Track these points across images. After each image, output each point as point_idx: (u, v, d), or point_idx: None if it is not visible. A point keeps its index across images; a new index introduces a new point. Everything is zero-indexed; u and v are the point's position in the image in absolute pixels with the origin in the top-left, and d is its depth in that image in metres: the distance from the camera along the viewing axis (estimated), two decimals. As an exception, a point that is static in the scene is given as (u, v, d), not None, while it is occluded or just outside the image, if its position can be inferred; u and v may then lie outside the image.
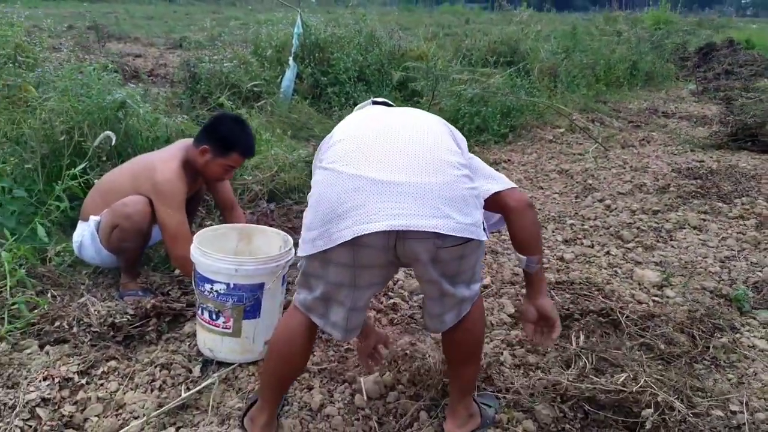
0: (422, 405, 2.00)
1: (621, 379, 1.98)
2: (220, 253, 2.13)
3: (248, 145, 2.62)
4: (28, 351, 2.16)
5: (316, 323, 1.64)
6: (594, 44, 10.03)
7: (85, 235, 2.60)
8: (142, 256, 2.72)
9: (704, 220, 3.89)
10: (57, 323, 2.29)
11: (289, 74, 6.10)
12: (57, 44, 6.46)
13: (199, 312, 2.18)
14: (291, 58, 6.22)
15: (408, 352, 2.29)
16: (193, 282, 2.19)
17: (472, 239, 1.46)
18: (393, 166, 1.45)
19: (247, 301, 2.11)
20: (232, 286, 2.08)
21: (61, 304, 2.40)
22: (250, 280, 2.08)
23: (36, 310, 2.35)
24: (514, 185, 1.64)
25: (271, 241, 2.40)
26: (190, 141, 2.72)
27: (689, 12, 27.09)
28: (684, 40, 14.12)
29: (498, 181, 1.63)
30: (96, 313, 2.33)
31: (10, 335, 2.21)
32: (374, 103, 1.92)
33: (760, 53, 12.47)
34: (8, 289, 2.38)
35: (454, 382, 1.80)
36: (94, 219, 2.57)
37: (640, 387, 1.93)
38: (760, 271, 3.15)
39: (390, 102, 1.98)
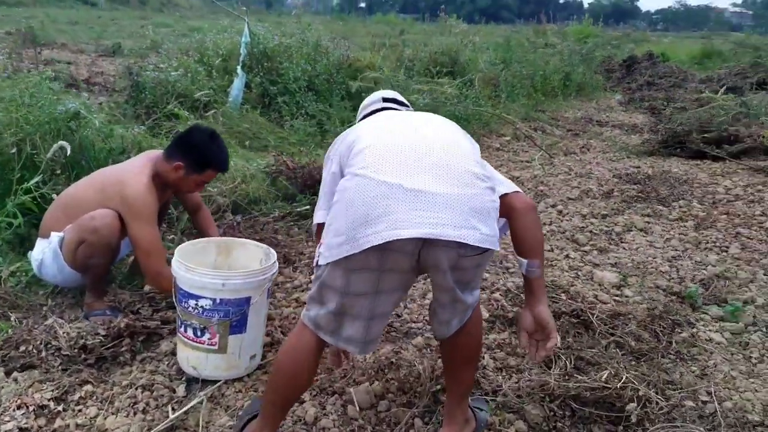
0: (416, 412, 2.02)
1: (604, 376, 2.08)
2: (200, 267, 2.08)
3: (223, 161, 2.58)
4: (-5, 379, 2.02)
5: (325, 341, 1.63)
6: (529, 56, 10.44)
7: (46, 252, 2.46)
8: (109, 274, 2.60)
9: (648, 222, 4.13)
10: (22, 348, 2.15)
11: (238, 83, 6.00)
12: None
13: (182, 329, 2.12)
14: (239, 67, 6.13)
15: (393, 360, 2.32)
16: (174, 298, 2.13)
17: (489, 249, 1.50)
18: (425, 175, 1.48)
19: (234, 316, 2.06)
20: (218, 301, 2.03)
21: (26, 328, 2.25)
22: (236, 294, 2.04)
23: (-2, 335, 2.21)
24: (519, 189, 1.70)
25: (250, 254, 2.36)
26: (157, 153, 2.64)
27: (606, 26, 28.58)
28: (611, 53, 14.92)
29: (504, 185, 1.68)
30: (65, 335, 2.20)
31: (-27, 363, 2.06)
32: (384, 99, 1.98)
33: (677, 65, 13.36)
34: (-37, 313, 2.22)
35: (453, 386, 1.83)
36: (56, 235, 2.44)
37: (622, 383, 2.03)
38: (704, 269, 3.37)
39: (400, 98, 2.03)
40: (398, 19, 38.54)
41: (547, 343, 1.65)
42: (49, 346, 2.17)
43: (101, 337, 2.24)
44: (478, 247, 1.46)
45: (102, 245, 2.37)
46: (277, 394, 1.67)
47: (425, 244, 1.45)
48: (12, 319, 2.33)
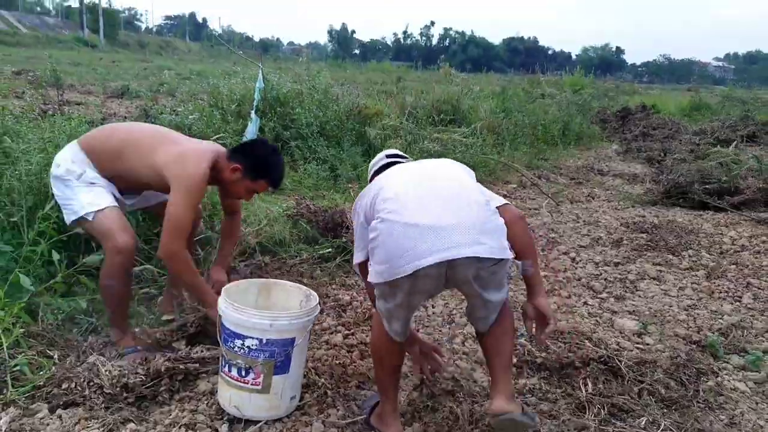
0: (458, 455, 2.04)
1: (642, 423, 2.11)
2: (248, 308, 2.12)
3: (279, 177, 2.67)
4: (40, 416, 2.03)
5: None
6: (528, 106, 10.75)
7: (72, 171, 2.51)
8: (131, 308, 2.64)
9: (660, 271, 4.21)
10: (65, 385, 2.17)
11: (252, 128, 6.13)
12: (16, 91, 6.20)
13: (226, 369, 2.14)
14: (253, 112, 6.27)
15: (429, 404, 2.34)
16: (219, 339, 2.16)
17: (502, 258, 1.83)
18: (438, 211, 1.83)
19: (278, 357, 2.10)
20: (264, 341, 2.07)
21: (68, 365, 2.27)
22: (282, 335, 2.08)
23: (41, 372, 2.22)
24: (507, 201, 2.02)
25: (289, 296, 2.41)
26: (219, 146, 2.72)
27: (595, 78, 29.42)
28: (606, 104, 15.35)
29: (495, 200, 2.00)
30: (107, 373, 2.22)
31: (18, 400, 2.06)
32: (387, 156, 2.37)
33: (670, 117, 13.74)
34: (5, 349, 2.23)
35: (496, 359, 2.00)
36: (89, 207, 2.46)
37: (661, 430, 2.07)
38: (720, 318, 3.44)
39: (400, 153, 2.41)
40: (392, 66, 39.50)
41: (546, 328, 2.00)
42: (91, 384, 2.18)
43: (141, 376, 2.26)
44: (491, 258, 1.78)
45: (119, 271, 2.43)
46: (382, 369, 2.08)
47: (449, 265, 1.78)
48: (55, 356, 2.34)
